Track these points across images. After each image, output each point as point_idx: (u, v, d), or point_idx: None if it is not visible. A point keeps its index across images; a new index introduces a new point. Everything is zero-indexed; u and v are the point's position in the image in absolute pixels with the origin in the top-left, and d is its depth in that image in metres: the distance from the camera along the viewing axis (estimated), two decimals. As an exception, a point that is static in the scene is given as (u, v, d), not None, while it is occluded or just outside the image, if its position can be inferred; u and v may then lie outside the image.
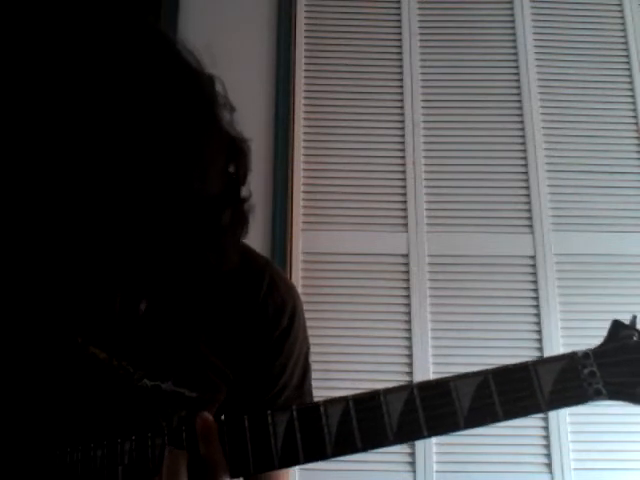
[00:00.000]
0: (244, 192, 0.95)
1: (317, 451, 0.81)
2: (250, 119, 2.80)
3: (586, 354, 0.80)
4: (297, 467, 2.32)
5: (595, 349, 0.81)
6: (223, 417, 0.84)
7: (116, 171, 0.78)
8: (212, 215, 0.88)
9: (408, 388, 0.82)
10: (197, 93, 0.87)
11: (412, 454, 2.39)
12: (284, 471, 1.09)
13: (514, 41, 2.82)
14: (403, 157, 2.69)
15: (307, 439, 0.81)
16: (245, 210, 0.95)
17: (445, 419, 0.80)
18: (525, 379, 0.80)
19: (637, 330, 0.80)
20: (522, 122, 2.73)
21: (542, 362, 0.81)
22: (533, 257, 2.60)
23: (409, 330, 2.52)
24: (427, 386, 0.82)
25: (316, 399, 1.09)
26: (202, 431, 0.81)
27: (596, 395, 0.78)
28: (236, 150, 0.94)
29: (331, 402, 0.83)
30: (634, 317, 0.82)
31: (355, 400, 0.82)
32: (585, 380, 0.79)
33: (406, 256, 2.60)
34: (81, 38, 0.81)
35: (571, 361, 0.80)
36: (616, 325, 0.82)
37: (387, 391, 0.82)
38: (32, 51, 0.79)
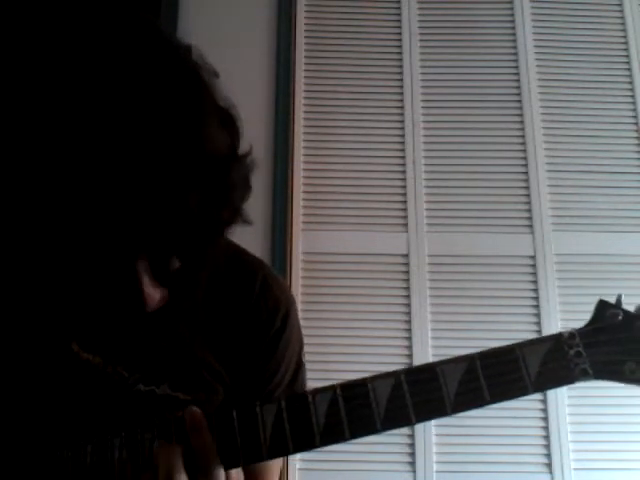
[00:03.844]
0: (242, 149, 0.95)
1: (306, 440, 0.81)
2: (250, 119, 2.80)
3: (572, 334, 0.80)
4: (297, 467, 2.31)
5: (581, 329, 0.81)
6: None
7: (117, 156, 0.79)
8: (222, 172, 0.89)
9: (395, 374, 0.82)
10: (183, 66, 0.88)
11: (412, 454, 2.39)
12: (274, 464, 1.09)
13: (514, 41, 2.82)
14: (403, 157, 2.69)
15: (295, 429, 0.81)
16: (248, 165, 0.95)
17: (433, 404, 0.80)
18: (512, 361, 0.80)
19: (623, 309, 0.80)
20: (522, 122, 2.73)
21: (528, 344, 0.80)
22: (533, 257, 2.59)
23: (409, 330, 2.52)
24: (414, 371, 0.82)
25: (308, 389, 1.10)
26: (191, 424, 0.81)
27: (582, 375, 0.78)
28: (227, 115, 0.94)
29: (319, 391, 0.83)
30: (620, 296, 0.81)
31: (342, 387, 0.82)
32: (571, 361, 0.79)
33: (406, 256, 2.60)
34: (69, 32, 0.81)
35: (557, 342, 0.80)
36: (602, 305, 0.82)
37: (374, 378, 0.82)
38: (26, 47, 0.80)
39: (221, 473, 0.80)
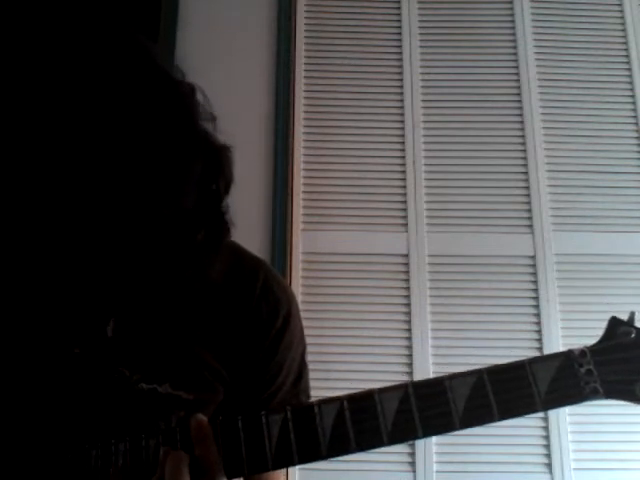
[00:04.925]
0: (225, 204, 0.94)
1: (311, 452, 0.81)
2: (250, 119, 2.79)
3: (583, 352, 0.79)
4: (297, 467, 2.31)
5: (592, 347, 0.80)
6: (218, 418, 0.83)
7: (90, 186, 0.78)
8: (188, 230, 0.88)
9: (403, 387, 0.81)
10: (174, 105, 0.86)
11: (412, 454, 2.39)
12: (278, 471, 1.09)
13: (514, 41, 2.82)
14: (403, 157, 2.69)
15: (301, 440, 0.81)
16: (225, 223, 0.94)
17: (440, 419, 0.80)
18: (521, 378, 0.79)
19: (635, 327, 0.79)
20: (522, 122, 2.73)
21: (538, 360, 0.80)
22: (533, 257, 2.59)
23: (409, 330, 2.52)
24: (422, 385, 0.81)
25: (315, 399, 1.10)
26: (196, 432, 0.81)
27: (592, 394, 0.77)
28: (217, 161, 0.93)
29: (325, 402, 0.82)
30: (632, 314, 0.81)
31: (349, 400, 0.82)
32: (582, 379, 0.78)
33: (406, 256, 2.60)
34: (62, 53, 0.81)
35: (567, 359, 0.80)
36: (614, 322, 0.81)
37: (382, 390, 0.81)
38: (16, 62, 0.80)
39: None
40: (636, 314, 0.80)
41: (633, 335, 0.79)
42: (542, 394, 0.78)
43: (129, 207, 0.79)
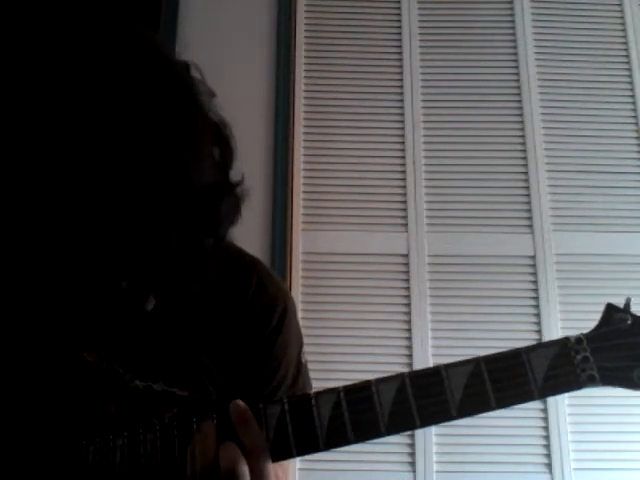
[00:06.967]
0: (234, 176, 0.94)
1: (310, 444, 0.80)
2: (250, 119, 2.79)
3: (579, 339, 0.79)
4: (297, 467, 2.31)
5: (588, 334, 0.80)
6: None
7: (109, 170, 0.77)
8: (210, 204, 0.88)
9: (400, 377, 0.81)
10: (177, 85, 0.86)
11: (412, 454, 2.39)
12: (284, 466, 1.08)
13: (514, 41, 2.82)
14: (403, 157, 2.69)
15: (299, 432, 0.80)
16: (239, 195, 0.94)
17: (438, 408, 0.79)
18: (518, 366, 0.79)
19: (631, 313, 0.79)
20: (522, 122, 2.73)
21: (535, 348, 0.79)
22: (533, 257, 2.59)
23: (409, 330, 2.52)
24: (419, 375, 0.81)
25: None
26: (239, 417, 0.80)
27: (589, 381, 0.77)
28: (220, 136, 0.93)
29: (322, 393, 0.81)
30: (628, 299, 0.81)
31: (346, 391, 0.81)
32: (578, 366, 0.78)
33: (406, 256, 2.60)
34: (66, 42, 0.80)
35: (564, 347, 0.79)
36: (610, 309, 0.81)
37: (379, 381, 0.81)
38: (23, 55, 0.80)
39: (270, 466, 0.79)
40: (632, 300, 0.80)
41: (629, 322, 0.79)
42: (539, 382, 0.78)
43: (151, 189, 0.79)
